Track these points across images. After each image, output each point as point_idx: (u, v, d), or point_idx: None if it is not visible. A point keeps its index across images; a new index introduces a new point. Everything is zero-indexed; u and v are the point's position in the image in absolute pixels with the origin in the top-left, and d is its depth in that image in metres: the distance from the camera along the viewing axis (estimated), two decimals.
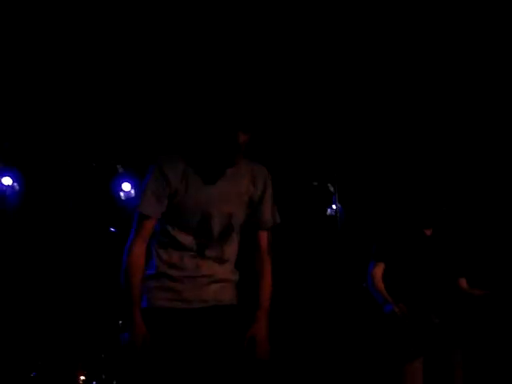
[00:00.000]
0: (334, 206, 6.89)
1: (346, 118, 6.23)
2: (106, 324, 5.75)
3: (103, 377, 5.29)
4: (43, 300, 6.09)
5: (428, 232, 4.11)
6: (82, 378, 5.21)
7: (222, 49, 5.41)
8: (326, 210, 6.99)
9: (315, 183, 7.11)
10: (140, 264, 2.65)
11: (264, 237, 2.85)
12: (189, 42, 5.39)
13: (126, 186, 6.45)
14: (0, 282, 5.96)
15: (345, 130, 6.36)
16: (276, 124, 6.21)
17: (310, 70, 5.66)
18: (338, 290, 5.31)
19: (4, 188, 6.14)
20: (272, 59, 5.45)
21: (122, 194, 6.42)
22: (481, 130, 6.09)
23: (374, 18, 5.13)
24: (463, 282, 4.17)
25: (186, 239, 2.68)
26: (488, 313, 4.19)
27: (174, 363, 2.59)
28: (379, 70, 5.71)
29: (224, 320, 2.70)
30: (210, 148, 2.65)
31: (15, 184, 6.18)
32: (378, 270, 4.07)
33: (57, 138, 6.28)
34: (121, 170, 6.57)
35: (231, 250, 2.78)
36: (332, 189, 7.02)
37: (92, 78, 5.73)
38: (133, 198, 6.37)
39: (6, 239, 6.19)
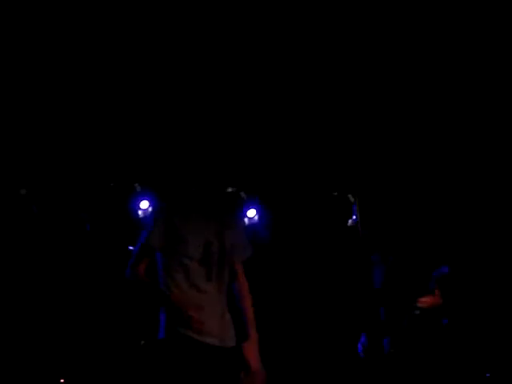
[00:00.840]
0: (354, 217, 6.83)
1: (366, 128, 6.18)
2: (127, 344, 5.71)
3: None
4: (63, 319, 6.08)
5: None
6: None
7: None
8: (347, 221, 6.92)
9: (335, 194, 7.06)
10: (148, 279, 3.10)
11: (241, 266, 3.26)
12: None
13: (144, 204, 6.43)
14: (20, 301, 5.97)
15: (365, 141, 6.30)
16: (295, 135, 6.18)
17: (330, 78, 5.62)
18: (359, 300, 5.24)
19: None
20: (286, 65, 5.42)
21: (140, 212, 6.39)
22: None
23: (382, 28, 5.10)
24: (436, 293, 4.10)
25: (194, 266, 3.03)
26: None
27: None
28: (399, 81, 5.65)
29: (226, 365, 2.99)
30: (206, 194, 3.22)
31: (33, 206, 6.19)
32: None
33: (73, 159, 6.29)
34: (138, 188, 6.57)
35: (227, 277, 3.15)
36: (352, 199, 6.96)
37: (109, 99, 5.74)
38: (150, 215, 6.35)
39: (25, 260, 6.20)
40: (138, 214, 6.38)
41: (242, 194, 6.81)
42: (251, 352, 3.05)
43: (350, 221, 6.94)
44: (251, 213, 6.77)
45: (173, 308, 2.95)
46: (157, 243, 3.08)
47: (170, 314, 2.97)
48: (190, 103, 5.79)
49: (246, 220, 6.72)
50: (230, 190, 6.66)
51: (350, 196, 6.94)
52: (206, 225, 3.14)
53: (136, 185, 6.57)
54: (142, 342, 5.21)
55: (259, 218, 6.76)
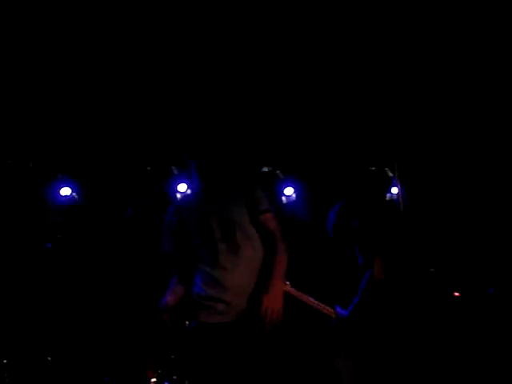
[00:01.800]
0: (393, 190, 6.77)
1: (402, 103, 6.10)
2: (174, 325, 5.77)
3: (174, 377, 5.30)
4: (111, 303, 6.19)
5: None
6: (154, 380, 5.22)
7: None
8: (385, 195, 6.87)
9: (373, 168, 7.01)
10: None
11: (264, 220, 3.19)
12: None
13: (182, 187, 6.46)
14: (68, 287, 6.09)
15: (401, 115, 6.22)
16: (331, 112, 6.14)
17: (365, 53, 5.55)
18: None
19: (64, 199, 6.24)
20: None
21: (178, 195, 6.42)
22: None
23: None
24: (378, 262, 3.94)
25: (201, 255, 3.05)
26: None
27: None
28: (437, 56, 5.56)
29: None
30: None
31: (74, 194, 6.28)
32: None
33: (110, 145, 6.35)
34: (175, 171, 6.61)
35: (244, 244, 3.04)
36: (391, 174, 6.90)
37: (144, 87, 5.78)
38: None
39: (70, 248, 6.29)
40: (176, 197, 6.42)
41: (279, 173, 6.80)
42: (262, 303, 2.94)
43: (388, 194, 6.90)
44: (289, 191, 6.76)
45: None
46: (170, 249, 3.20)
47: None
48: (225, 85, 5.79)
49: (283, 199, 6.73)
50: (266, 169, 6.66)
51: (387, 170, 6.89)
52: (206, 207, 3.10)
53: (173, 167, 6.60)
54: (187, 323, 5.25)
55: (297, 196, 6.75)
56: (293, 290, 3.83)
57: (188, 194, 3.35)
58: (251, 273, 3.01)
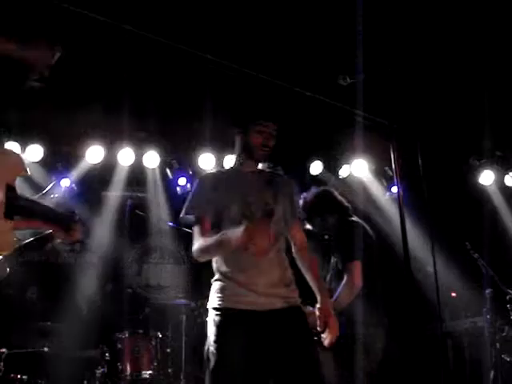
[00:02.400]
0: (393, 189, 6.78)
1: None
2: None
3: (169, 371, 5.32)
4: (107, 293, 6.21)
5: None
6: (149, 372, 5.22)
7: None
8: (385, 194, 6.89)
9: (373, 168, 7.01)
10: None
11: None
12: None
13: (182, 181, 6.48)
14: (66, 277, 6.09)
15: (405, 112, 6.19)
16: (334, 107, 6.11)
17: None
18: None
19: (63, 190, 6.23)
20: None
21: (178, 188, 6.44)
22: None
23: None
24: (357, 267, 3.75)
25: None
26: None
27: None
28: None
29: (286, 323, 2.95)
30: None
31: (73, 185, 6.27)
32: None
33: (112, 137, 6.35)
34: (176, 165, 6.61)
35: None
36: (390, 172, 6.90)
37: (146, 79, 5.77)
38: (189, 191, 6.39)
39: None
40: (176, 191, 6.44)
41: (279, 170, 6.78)
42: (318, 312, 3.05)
43: (388, 193, 6.91)
44: None
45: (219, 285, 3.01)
46: (197, 212, 3.08)
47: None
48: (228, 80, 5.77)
49: None
50: (267, 165, 6.63)
51: (387, 169, 6.88)
52: (246, 188, 3.11)
53: (173, 162, 6.60)
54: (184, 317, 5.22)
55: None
56: None
57: (223, 170, 3.26)
58: (280, 261, 3.06)
